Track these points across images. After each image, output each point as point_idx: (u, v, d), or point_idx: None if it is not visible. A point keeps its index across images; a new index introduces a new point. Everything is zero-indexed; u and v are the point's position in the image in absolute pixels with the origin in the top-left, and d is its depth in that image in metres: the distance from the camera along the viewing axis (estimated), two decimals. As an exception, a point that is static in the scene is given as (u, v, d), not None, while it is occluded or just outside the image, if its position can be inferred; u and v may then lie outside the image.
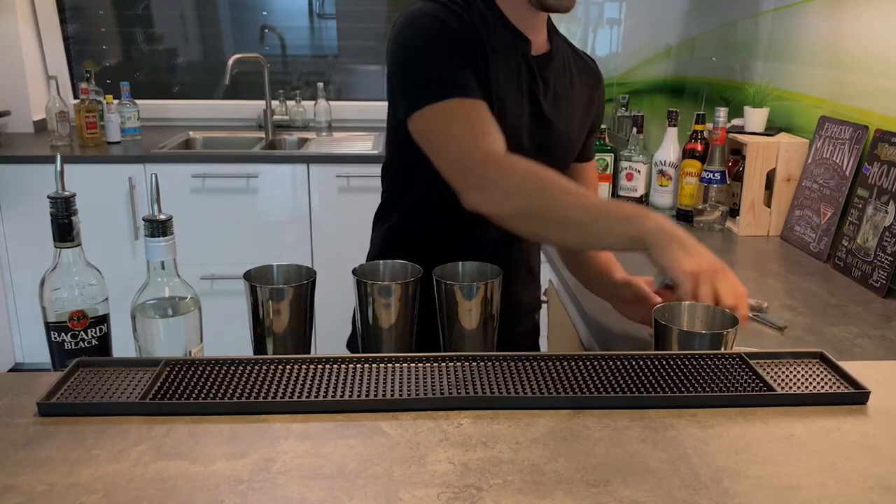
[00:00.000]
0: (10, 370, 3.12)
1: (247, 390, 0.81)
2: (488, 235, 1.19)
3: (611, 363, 0.88)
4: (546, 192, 1.03)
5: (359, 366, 0.87)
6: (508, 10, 1.18)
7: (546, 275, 1.97)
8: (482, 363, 0.88)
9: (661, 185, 2.15)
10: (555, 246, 1.10)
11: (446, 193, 1.09)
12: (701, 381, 0.84)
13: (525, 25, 1.18)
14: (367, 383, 0.83)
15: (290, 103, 3.64)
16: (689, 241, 0.97)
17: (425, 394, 0.81)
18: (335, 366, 0.87)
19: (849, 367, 0.87)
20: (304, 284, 0.96)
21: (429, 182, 1.14)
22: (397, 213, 1.30)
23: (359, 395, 0.80)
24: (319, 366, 0.87)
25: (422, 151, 1.13)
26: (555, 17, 1.34)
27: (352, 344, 1.37)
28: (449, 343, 1.00)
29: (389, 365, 0.87)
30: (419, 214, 1.27)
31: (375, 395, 0.80)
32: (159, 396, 0.79)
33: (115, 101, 3.26)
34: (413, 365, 0.87)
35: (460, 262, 1.04)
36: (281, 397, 0.80)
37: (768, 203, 1.91)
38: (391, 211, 1.31)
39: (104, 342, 0.93)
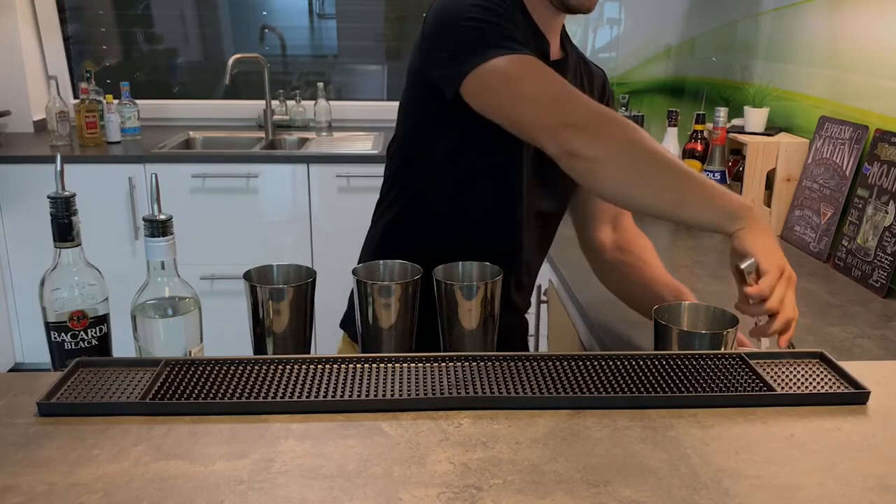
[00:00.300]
0: (10, 370, 3.12)
1: (247, 390, 0.81)
2: (493, 223, 1.19)
3: (611, 363, 0.88)
4: (647, 146, 0.97)
5: (359, 366, 0.87)
6: (533, 10, 1.17)
7: (546, 275, 1.97)
8: (482, 363, 0.88)
9: (661, 185, 2.15)
10: (634, 208, 1.03)
11: (457, 176, 1.07)
12: (701, 381, 0.84)
13: (545, 27, 1.18)
14: (367, 383, 0.83)
15: (290, 103, 3.64)
16: (773, 234, 0.96)
17: (425, 394, 0.81)
18: (335, 366, 0.87)
19: (849, 367, 0.87)
20: (304, 284, 0.96)
21: (442, 162, 1.14)
22: (402, 199, 1.26)
23: (359, 395, 0.80)
24: (319, 366, 0.87)
25: (440, 128, 1.12)
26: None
27: (346, 325, 1.35)
28: (449, 343, 1.00)
29: (389, 365, 0.87)
30: (426, 198, 1.23)
31: (375, 395, 0.80)
32: (159, 396, 0.79)
33: (115, 101, 3.26)
34: (413, 365, 0.87)
35: (460, 263, 1.04)
36: (281, 397, 0.80)
37: (768, 203, 1.91)
38: (395, 198, 1.27)
39: (104, 342, 0.93)
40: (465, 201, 1.21)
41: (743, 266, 0.93)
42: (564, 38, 1.25)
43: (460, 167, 1.18)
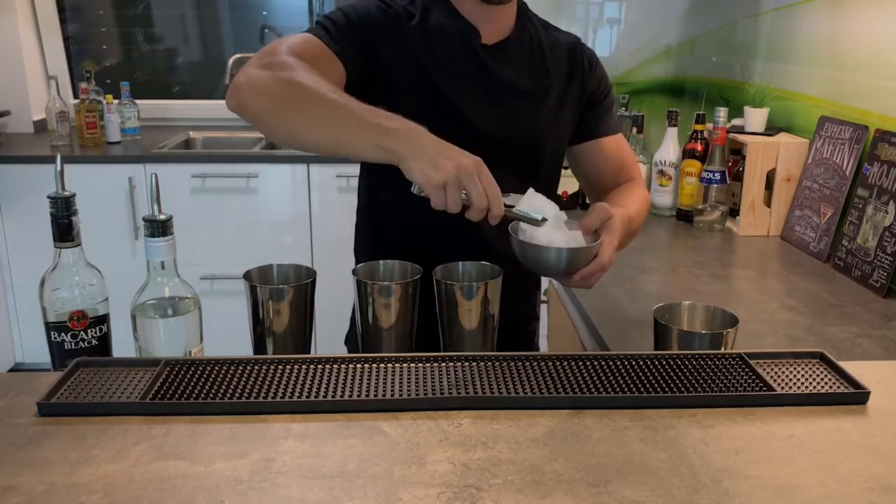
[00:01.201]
0: (10, 370, 3.12)
1: (247, 390, 0.81)
2: (479, 236, 1.20)
3: (611, 363, 0.88)
4: (308, 91, 0.98)
5: (359, 366, 0.87)
6: (457, 2, 1.21)
7: (546, 275, 1.97)
8: (482, 363, 0.88)
9: (661, 185, 2.15)
10: (301, 147, 1.04)
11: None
12: (701, 381, 0.84)
13: (475, 17, 1.20)
14: (367, 383, 0.83)
15: (290, 103, 3.64)
16: (437, 148, 0.94)
17: (425, 394, 0.81)
18: (335, 366, 0.87)
19: (849, 367, 0.87)
20: (304, 284, 0.96)
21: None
22: (360, 201, 1.32)
23: (359, 395, 0.80)
24: (319, 366, 0.87)
25: None
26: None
27: (349, 340, 1.37)
28: (449, 343, 1.00)
29: (389, 365, 0.87)
30: (399, 214, 1.26)
31: (375, 395, 0.80)
32: (159, 396, 0.79)
33: (115, 101, 3.26)
34: (413, 365, 0.87)
35: (460, 263, 1.04)
36: (281, 397, 0.80)
37: (768, 203, 1.91)
38: (375, 215, 1.31)
39: (104, 342, 0.93)
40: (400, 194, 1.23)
41: (412, 190, 0.95)
42: (522, 16, 1.25)
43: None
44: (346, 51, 1.12)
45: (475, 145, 1.14)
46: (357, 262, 1.31)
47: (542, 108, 1.24)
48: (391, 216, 1.28)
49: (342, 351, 1.37)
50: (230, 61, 3.22)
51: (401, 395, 0.80)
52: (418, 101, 1.17)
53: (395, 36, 1.17)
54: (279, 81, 1.00)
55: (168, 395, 0.79)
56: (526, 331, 1.39)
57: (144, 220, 0.90)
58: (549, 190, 1.30)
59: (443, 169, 0.91)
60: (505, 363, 0.88)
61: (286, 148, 3.44)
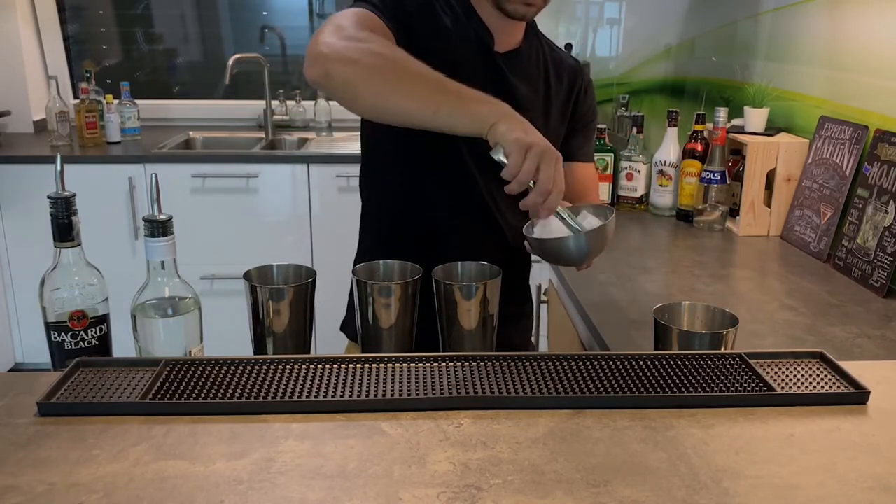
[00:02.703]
0: (10, 370, 3.12)
1: (247, 390, 0.81)
2: (467, 237, 1.23)
3: (611, 363, 0.88)
4: (401, 63, 1.00)
5: (359, 366, 0.87)
6: (479, 8, 1.22)
7: (546, 275, 1.97)
8: (482, 363, 0.88)
9: (661, 185, 2.15)
10: (392, 120, 1.04)
11: (426, 192, 1.14)
12: (701, 381, 0.84)
13: (491, 24, 1.22)
14: (367, 383, 0.83)
15: (290, 103, 3.64)
16: (529, 125, 0.98)
17: (425, 394, 0.81)
18: (335, 366, 0.87)
19: (849, 367, 0.87)
20: (304, 284, 0.96)
21: (410, 182, 1.21)
22: (384, 218, 1.33)
23: (359, 395, 0.80)
24: (319, 366, 0.87)
25: (394, 147, 1.21)
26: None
27: (346, 327, 1.38)
28: (448, 343, 1.00)
29: (389, 365, 0.87)
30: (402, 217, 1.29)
31: (375, 395, 0.80)
32: (159, 396, 0.79)
33: (115, 101, 3.26)
34: (413, 365, 0.87)
35: (459, 263, 1.04)
36: (281, 397, 0.80)
37: (768, 203, 1.91)
38: (377, 218, 1.34)
39: (104, 342, 0.93)
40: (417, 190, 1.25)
41: (493, 154, 0.97)
42: (530, 31, 1.28)
43: (425, 185, 1.24)
44: (398, 28, 1.13)
45: (469, 144, 1.16)
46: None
47: (543, 121, 1.26)
48: (393, 217, 1.30)
49: (341, 344, 1.37)
50: (230, 61, 3.22)
51: (401, 395, 0.80)
52: None
53: (421, 25, 1.18)
54: (368, 52, 1.00)
55: (168, 395, 0.79)
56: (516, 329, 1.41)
57: (144, 220, 0.90)
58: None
59: (535, 138, 0.95)
60: (505, 363, 0.88)
61: (287, 149, 3.44)
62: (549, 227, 1.04)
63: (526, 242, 1.08)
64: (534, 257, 1.22)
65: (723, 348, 0.92)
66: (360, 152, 1.33)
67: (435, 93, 0.98)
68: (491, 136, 0.97)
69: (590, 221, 1.07)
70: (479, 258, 1.04)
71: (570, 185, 1.37)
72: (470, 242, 1.21)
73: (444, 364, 0.87)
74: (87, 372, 0.85)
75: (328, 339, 2.81)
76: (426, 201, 1.26)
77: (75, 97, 3.50)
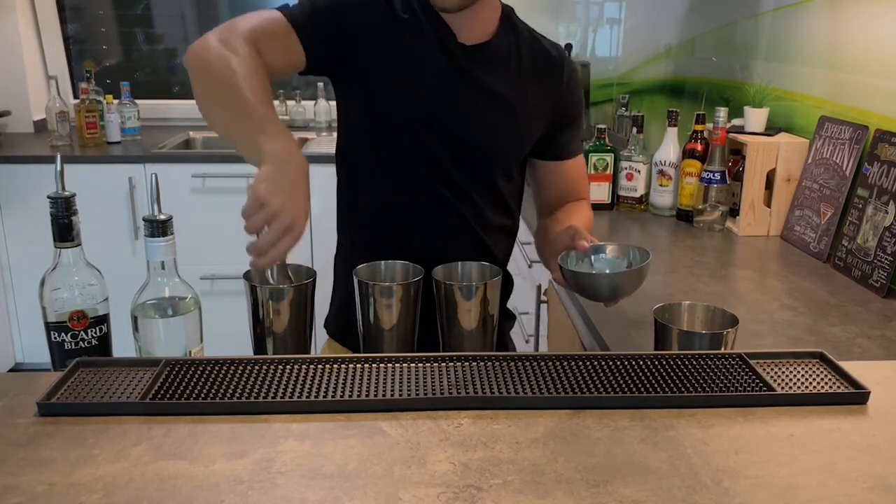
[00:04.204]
0: (10, 370, 3.12)
1: (247, 390, 0.81)
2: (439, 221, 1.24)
3: (611, 363, 0.88)
4: (230, 80, 1.04)
5: (359, 366, 0.87)
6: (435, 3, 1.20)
7: (546, 275, 1.97)
8: (482, 363, 0.88)
9: (661, 185, 2.15)
10: (211, 127, 1.11)
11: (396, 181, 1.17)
12: (701, 381, 0.84)
13: (451, 19, 1.19)
14: (367, 383, 0.83)
15: (290, 103, 3.64)
16: (290, 180, 0.96)
17: (425, 394, 0.81)
18: (335, 366, 0.87)
19: (849, 367, 0.87)
20: (304, 284, 0.96)
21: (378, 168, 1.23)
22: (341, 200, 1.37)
23: (359, 395, 0.80)
24: (319, 366, 0.87)
25: (361, 130, 1.23)
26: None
27: (329, 324, 1.38)
28: (449, 343, 1.00)
29: (389, 365, 0.87)
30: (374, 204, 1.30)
31: (375, 395, 0.80)
32: (159, 396, 0.79)
33: (115, 101, 3.26)
34: (413, 365, 0.87)
35: (459, 263, 1.04)
36: (281, 397, 0.80)
37: (768, 203, 1.91)
38: (353, 202, 1.36)
39: (104, 342, 0.94)
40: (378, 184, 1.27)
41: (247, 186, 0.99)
42: (506, 22, 1.25)
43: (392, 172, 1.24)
44: (314, 44, 1.14)
45: (437, 140, 1.18)
46: (340, 256, 1.37)
47: (510, 115, 1.24)
48: (369, 218, 1.31)
49: (344, 351, 1.37)
50: (230, 61, 3.21)
51: (401, 395, 0.80)
52: (385, 88, 1.19)
53: (369, 27, 1.18)
54: (223, 63, 1.04)
55: (168, 395, 0.79)
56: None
57: (144, 220, 0.91)
58: (509, 195, 1.31)
59: (277, 198, 0.93)
60: (505, 363, 0.88)
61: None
62: (586, 262, 1.09)
63: (559, 273, 1.10)
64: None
65: (723, 348, 0.92)
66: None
67: (239, 120, 1.02)
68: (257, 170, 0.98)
69: (626, 260, 1.11)
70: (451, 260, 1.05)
71: (560, 183, 1.37)
72: (445, 246, 1.21)
73: (444, 364, 0.87)
74: (87, 372, 0.85)
75: (328, 339, 2.81)
76: (404, 201, 1.25)
77: (75, 97, 3.50)
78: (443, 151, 1.21)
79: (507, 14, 1.26)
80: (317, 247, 3.10)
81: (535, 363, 0.88)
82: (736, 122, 2.06)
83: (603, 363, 0.88)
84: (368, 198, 1.29)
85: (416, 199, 1.24)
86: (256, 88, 1.03)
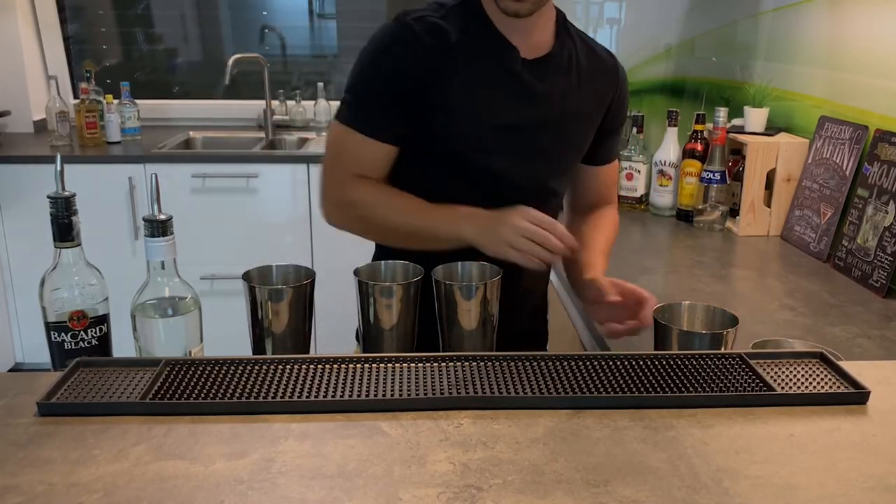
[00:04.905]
0: (10, 370, 3.12)
1: (247, 390, 0.81)
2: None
3: (611, 363, 0.88)
4: (374, 217, 1.20)
5: (359, 366, 0.87)
6: (494, 17, 1.17)
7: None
8: (482, 363, 0.88)
9: (661, 185, 2.15)
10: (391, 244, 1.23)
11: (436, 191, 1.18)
12: (701, 381, 0.84)
13: (510, 31, 1.17)
14: (367, 383, 0.83)
15: (290, 103, 3.64)
16: (489, 220, 1.10)
17: (425, 394, 0.81)
18: (335, 366, 0.87)
19: (849, 367, 0.87)
20: (303, 285, 0.96)
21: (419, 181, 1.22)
22: None
23: (359, 395, 0.80)
24: (319, 366, 0.87)
25: (403, 160, 1.22)
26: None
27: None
28: (449, 343, 1.00)
29: (389, 365, 0.87)
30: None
31: (375, 395, 0.80)
32: (159, 396, 0.79)
33: (115, 101, 3.26)
34: (413, 365, 0.87)
35: (459, 263, 1.04)
36: (281, 397, 0.80)
37: (768, 203, 1.91)
38: None
39: (104, 342, 0.93)
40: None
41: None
42: (561, 27, 1.23)
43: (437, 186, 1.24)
44: (384, 132, 1.19)
45: (503, 157, 1.19)
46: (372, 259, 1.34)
47: (572, 128, 1.25)
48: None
49: (346, 348, 1.37)
50: (230, 61, 3.22)
51: (401, 395, 0.80)
52: (457, 115, 1.17)
53: (427, 72, 1.15)
54: (356, 219, 1.23)
55: (168, 395, 0.79)
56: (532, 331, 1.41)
57: (144, 220, 0.90)
58: (560, 194, 1.33)
59: (496, 237, 1.08)
60: (505, 363, 0.88)
61: (287, 149, 3.44)
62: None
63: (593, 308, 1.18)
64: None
65: (723, 348, 0.92)
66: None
67: (410, 238, 1.16)
68: (473, 243, 1.11)
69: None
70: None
71: (594, 187, 1.36)
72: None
73: (444, 364, 0.87)
74: (87, 372, 0.85)
75: (328, 339, 2.82)
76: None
77: (75, 97, 3.50)
78: (506, 165, 1.20)
79: (562, 20, 1.24)
80: (317, 247, 3.10)
81: (535, 363, 0.88)
82: (736, 122, 2.07)
83: (603, 363, 0.88)
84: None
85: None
86: (403, 209, 1.18)
